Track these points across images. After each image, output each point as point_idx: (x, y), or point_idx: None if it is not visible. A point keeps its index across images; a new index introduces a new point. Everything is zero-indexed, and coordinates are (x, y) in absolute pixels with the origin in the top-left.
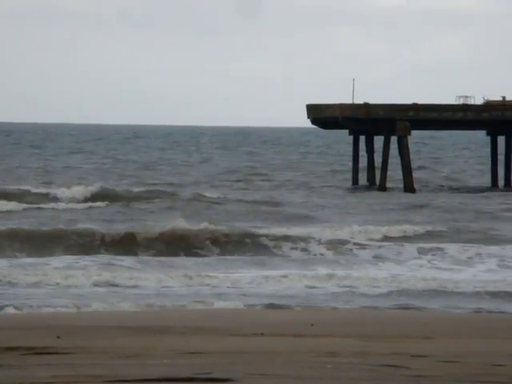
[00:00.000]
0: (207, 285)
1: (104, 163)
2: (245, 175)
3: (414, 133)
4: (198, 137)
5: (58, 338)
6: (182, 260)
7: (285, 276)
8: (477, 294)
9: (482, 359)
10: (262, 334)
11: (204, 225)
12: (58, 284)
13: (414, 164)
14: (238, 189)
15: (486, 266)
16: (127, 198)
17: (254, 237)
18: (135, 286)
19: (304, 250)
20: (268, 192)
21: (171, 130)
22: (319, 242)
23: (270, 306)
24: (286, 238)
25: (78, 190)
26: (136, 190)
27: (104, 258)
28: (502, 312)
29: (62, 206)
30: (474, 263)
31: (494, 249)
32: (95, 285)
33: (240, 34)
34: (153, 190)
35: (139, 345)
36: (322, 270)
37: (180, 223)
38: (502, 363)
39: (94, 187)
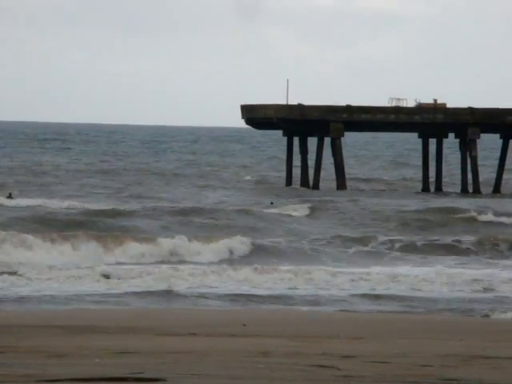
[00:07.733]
0: None
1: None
2: None
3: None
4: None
5: None
6: None
7: None
8: None
9: (411, 360)
10: (194, 333)
11: None
12: None
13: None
14: None
15: None
16: None
17: None
18: None
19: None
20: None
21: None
22: None
23: None
24: None
25: None
26: None
27: None
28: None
29: None
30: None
31: None
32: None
33: (173, 33)
34: None
35: (70, 344)
36: None
37: None
38: (430, 364)
39: None
